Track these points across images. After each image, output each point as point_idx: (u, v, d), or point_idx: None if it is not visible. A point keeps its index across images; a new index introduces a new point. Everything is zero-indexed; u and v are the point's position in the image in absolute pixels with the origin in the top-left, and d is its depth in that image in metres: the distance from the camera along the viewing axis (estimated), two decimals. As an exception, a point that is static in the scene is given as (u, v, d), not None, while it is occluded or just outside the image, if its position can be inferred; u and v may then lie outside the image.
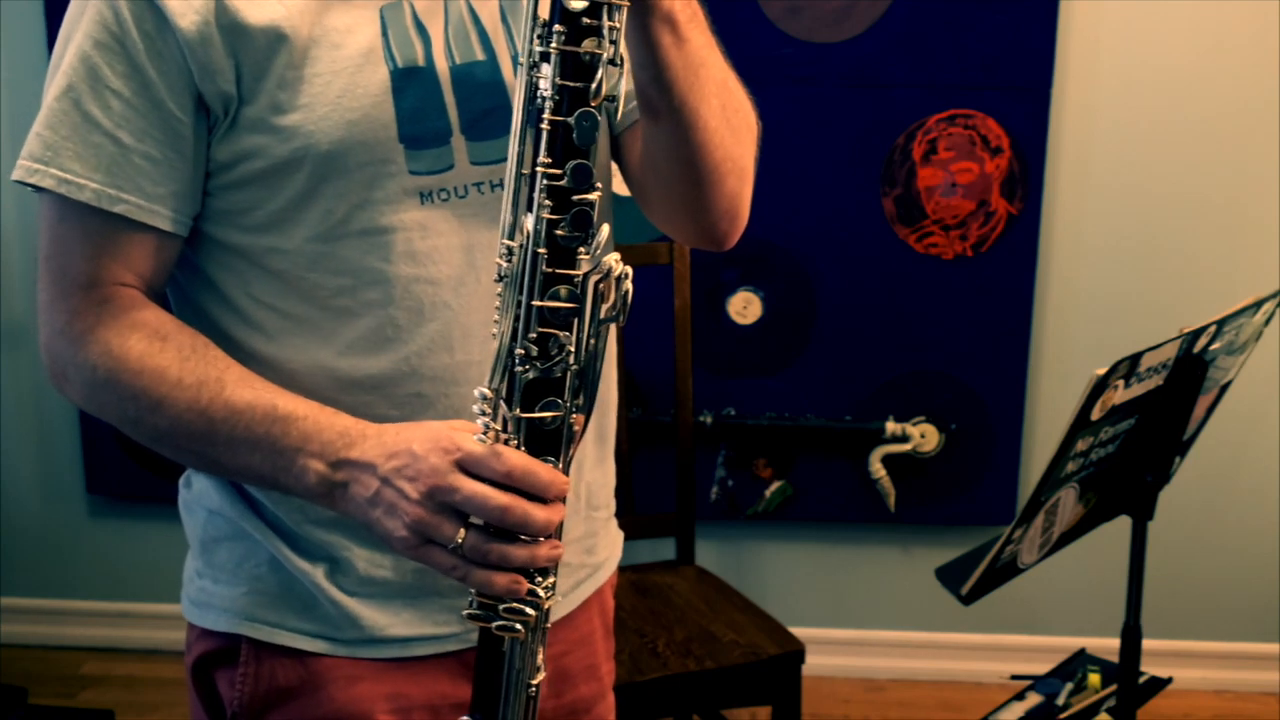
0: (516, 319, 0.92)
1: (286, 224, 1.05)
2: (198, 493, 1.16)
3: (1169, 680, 2.15)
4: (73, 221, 1.04)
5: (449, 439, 0.95)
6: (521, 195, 0.93)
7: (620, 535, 1.31)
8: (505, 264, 0.93)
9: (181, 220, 1.05)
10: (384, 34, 1.05)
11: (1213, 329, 1.58)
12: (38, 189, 1.03)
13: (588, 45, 0.89)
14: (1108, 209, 2.61)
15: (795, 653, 2.04)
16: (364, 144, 1.03)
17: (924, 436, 2.66)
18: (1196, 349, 1.58)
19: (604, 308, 0.93)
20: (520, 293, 0.92)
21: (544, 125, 0.90)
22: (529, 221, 0.91)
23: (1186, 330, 1.55)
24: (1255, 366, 2.51)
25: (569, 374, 0.93)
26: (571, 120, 0.90)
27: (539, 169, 0.90)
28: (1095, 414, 1.47)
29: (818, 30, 2.52)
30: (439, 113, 1.06)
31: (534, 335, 0.92)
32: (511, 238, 0.92)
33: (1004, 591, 1.63)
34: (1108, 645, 1.99)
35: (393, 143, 1.04)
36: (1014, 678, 2.32)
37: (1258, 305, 1.66)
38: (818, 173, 2.57)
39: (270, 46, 1.01)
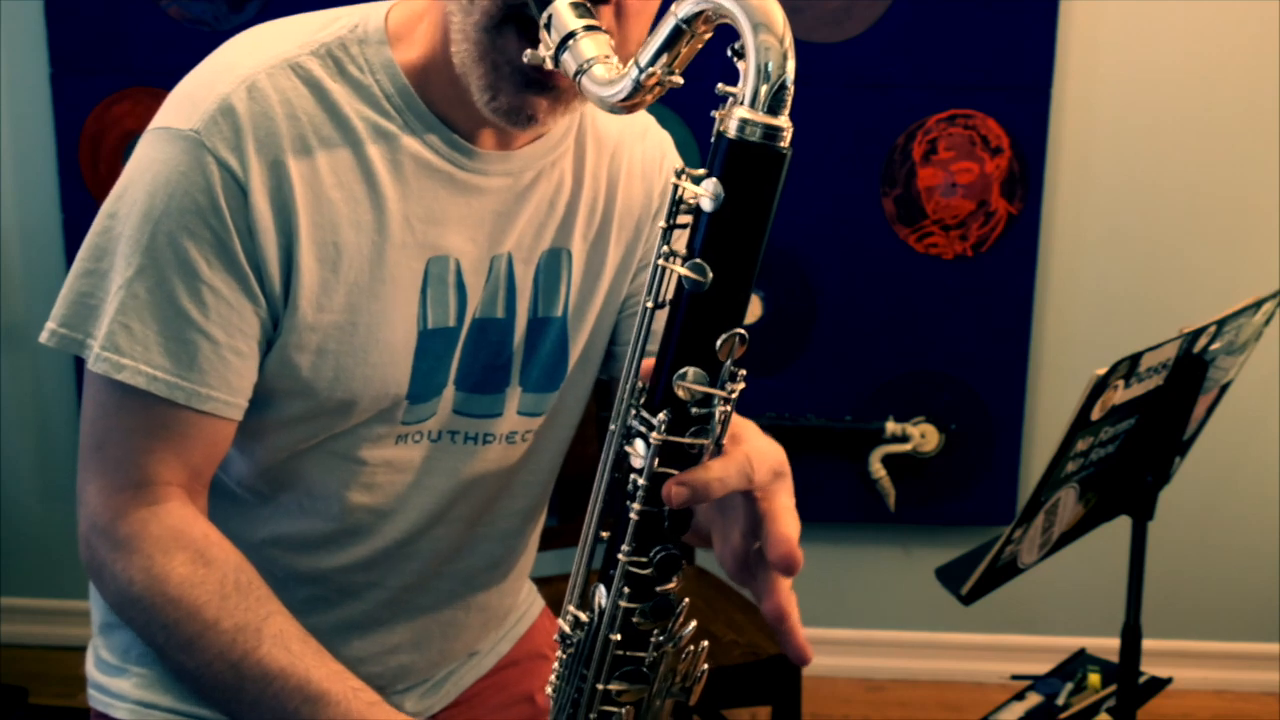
0: (579, 693, 0.86)
1: (269, 434, 1.04)
2: None
3: (1169, 680, 2.14)
4: (138, 414, 0.96)
5: None
6: (590, 564, 0.86)
7: (524, 593, 1.34)
8: (570, 630, 0.86)
9: (246, 405, 1.01)
10: (423, 291, 1.02)
11: (1213, 329, 1.58)
12: (118, 383, 0.96)
13: (693, 436, 0.80)
14: (1108, 209, 2.61)
15: (795, 653, 2.04)
16: (374, 398, 1.03)
17: (924, 436, 2.66)
18: (1196, 349, 1.58)
19: (673, 684, 0.86)
20: (585, 667, 0.85)
21: (632, 515, 0.81)
22: (602, 600, 0.84)
23: (1186, 330, 1.55)
24: (1255, 366, 2.51)
25: None
26: (665, 511, 0.81)
27: (621, 557, 0.82)
28: (1095, 414, 1.47)
29: (818, 30, 2.52)
30: (445, 369, 1.06)
31: (594, 715, 0.86)
32: (580, 605, 0.86)
33: (1004, 591, 1.62)
34: (1108, 645, 1.99)
35: (400, 399, 1.04)
36: (1014, 678, 2.32)
37: (1258, 305, 1.66)
38: (818, 173, 2.57)
39: (321, 275, 0.98)
